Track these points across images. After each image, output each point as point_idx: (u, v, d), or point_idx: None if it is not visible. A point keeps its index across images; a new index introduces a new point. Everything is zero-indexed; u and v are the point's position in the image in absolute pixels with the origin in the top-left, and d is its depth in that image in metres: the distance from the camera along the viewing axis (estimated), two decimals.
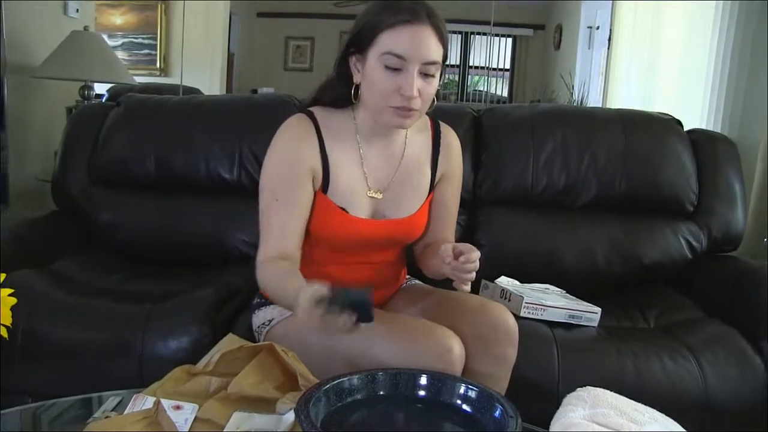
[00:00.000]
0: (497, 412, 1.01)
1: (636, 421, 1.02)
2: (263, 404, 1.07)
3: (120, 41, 5.35)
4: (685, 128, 2.15)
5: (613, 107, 3.72)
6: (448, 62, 1.33)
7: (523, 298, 1.67)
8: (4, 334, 1.10)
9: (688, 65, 3.14)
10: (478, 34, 7.84)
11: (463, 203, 1.55)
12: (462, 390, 1.08)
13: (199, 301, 1.66)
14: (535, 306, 1.68)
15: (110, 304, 1.66)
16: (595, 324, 1.71)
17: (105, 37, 3.83)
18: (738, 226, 2.04)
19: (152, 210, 2.10)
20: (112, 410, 1.11)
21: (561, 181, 2.05)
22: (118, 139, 2.14)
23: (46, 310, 1.61)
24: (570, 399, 1.10)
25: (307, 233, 1.37)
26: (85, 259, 1.97)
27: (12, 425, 1.14)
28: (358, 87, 1.34)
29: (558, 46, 7.04)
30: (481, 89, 8.24)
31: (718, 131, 2.39)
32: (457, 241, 1.50)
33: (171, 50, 5.26)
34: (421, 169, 1.44)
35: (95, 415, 1.10)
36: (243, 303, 1.71)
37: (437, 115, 1.48)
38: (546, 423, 1.07)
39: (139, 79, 3.73)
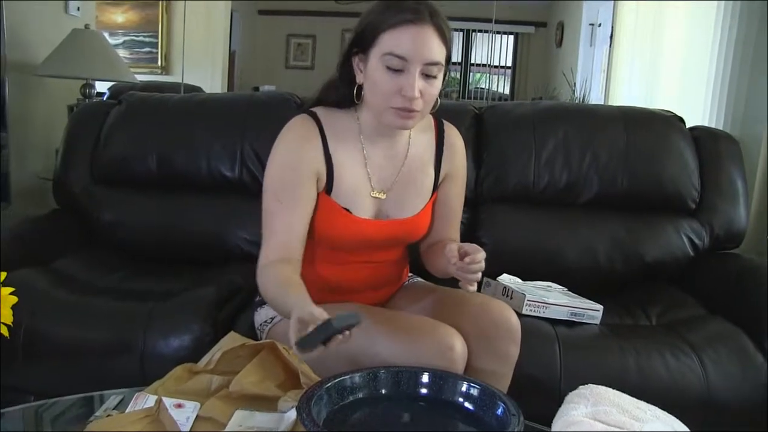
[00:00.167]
0: (499, 410, 1.01)
1: (638, 418, 1.02)
2: (265, 402, 1.07)
3: (121, 39, 5.35)
4: (688, 125, 2.14)
5: (615, 104, 3.71)
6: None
7: (525, 295, 1.67)
8: (6, 332, 1.11)
9: (690, 62, 3.13)
10: (480, 31, 7.83)
11: (465, 201, 1.55)
12: (464, 388, 1.08)
13: (200, 300, 1.66)
14: (537, 304, 1.67)
15: (112, 302, 1.66)
16: (598, 322, 1.70)
17: (106, 35, 3.84)
18: (740, 224, 2.04)
19: (154, 208, 2.10)
20: (113, 409, 1.11)
21: (563, 178, 2.05)
22: (120, 138, 2.13)
23: (47, 308, 1.61)
24: (572, 397, 1.09)
25: (310, 233, 1.37)
26: (87, 257, 1.97)
27: (14, 424, 1.14)
28: (361, 87, 1.33)
29: (560, 44, 7.03)
30: (483, 87, 8.23)
31: (721, 128, 2.38)
32: (460, 239, 1.50)
33: (172, 48, 5.26)
34: (424, 169, 1.44)
35: (97, 413, 1.11)
36: (244, 301, 1.71)
37: (439, 114, 1.47)
38: (548, 421, 1.07)
39: (140, 78, 3.73)
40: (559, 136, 2.06)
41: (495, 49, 7.96)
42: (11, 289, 1.13)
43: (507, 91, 8.15)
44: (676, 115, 2.14)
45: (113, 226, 2.09)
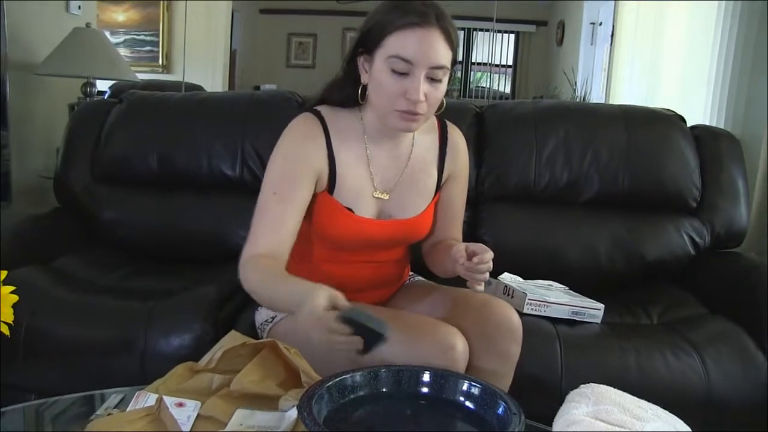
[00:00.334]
0: (500, 409, 1.01)
1: (639, 417, 1.02)
2: (266, 401, 1.07)
3: (122, 38, 5.36)
4: (688, 124, 2.14)
5: (615, 103, 3.71)
6: None
7: (526, 294, 1.67)
8: (6, 331, 1.10)
9: (690, 61, 3.13)
10: (481, 30, 7.83)
11: (466, 199, 1.55)
12: (465, 387, 1.08)
13: (201, 298, 1.66)
14: (538, 303, 1.67)
15: (112, 301, 1.66)
16: (598, 321, 1.70)
17: (107, 34, 3.84)
18: (741, 223, 2.04)
19: (154, 207, 2.10)
20: (114, 407, 1.11)
21: (564, 177, 2.04)
22: (120, 136, 2.13)
23: (48, 307, 1.61)
24: (573, 396, 1.09)
25: (310, 232, 1.36)
26: (88, 256, 1.97)
27: (15, 422, 1.14)
28: (365, 87, 1.32)
29: (560, 43, 7.03)
30: (484, 85, 8.23)
31: (722, 127, 2.38)
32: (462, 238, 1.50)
33: (173, 47, 5.26)
34: (427, 169, 1.43)
35: (98, 412, 1.11)
36: (245, 300, 1.70)
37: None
38: (549, 420, 1.06)
39: (141, 76, 3.73)
40: (560, 134, 2.06)
41: (496, 48, 7.97)
42: (12, 288, 1.13)
43: (508, 89, 8.15)
44: (676, 114, 2.14)
45: (114, 225, 2.09)
